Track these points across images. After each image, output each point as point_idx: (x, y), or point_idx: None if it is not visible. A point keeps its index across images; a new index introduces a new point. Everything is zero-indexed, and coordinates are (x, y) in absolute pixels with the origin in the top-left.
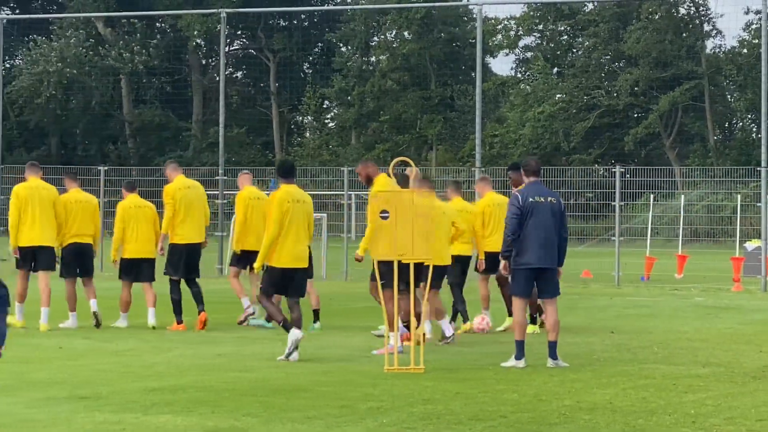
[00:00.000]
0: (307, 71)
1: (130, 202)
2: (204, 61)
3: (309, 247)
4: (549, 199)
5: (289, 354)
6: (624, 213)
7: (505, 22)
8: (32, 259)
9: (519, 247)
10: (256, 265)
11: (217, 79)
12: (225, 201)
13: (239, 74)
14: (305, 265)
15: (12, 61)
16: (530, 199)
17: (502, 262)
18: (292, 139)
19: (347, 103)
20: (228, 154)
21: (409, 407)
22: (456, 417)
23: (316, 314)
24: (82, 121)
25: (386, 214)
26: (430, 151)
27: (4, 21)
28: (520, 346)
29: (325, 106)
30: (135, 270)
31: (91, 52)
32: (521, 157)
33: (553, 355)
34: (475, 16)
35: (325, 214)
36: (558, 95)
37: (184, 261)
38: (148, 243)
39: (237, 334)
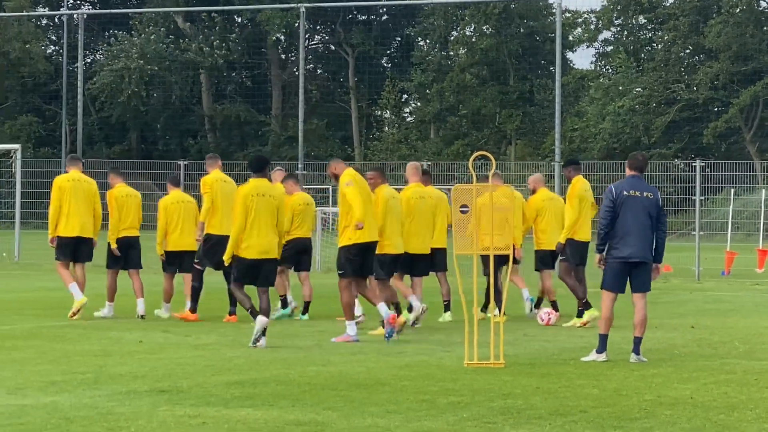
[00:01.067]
0: (385, 65)
1: (173, 197)
2: (283, 56)
3: (309, 240)
4: (645, 193)
5: (257, 340)
6: (704, 207)
7: (585, 16)
8: (73, 249)
9: (613, 241)
10: (225, 257)
11: (297, 73)
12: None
13: (318, 69)
14: (273, 256)
15: (92, 57)
16: (624, 193)
17: (597, 256)
18: (370, 133)
19: (426, 98)
20: (307, 148)
21: (489, 402)
22: (536, 412)
23: (307, 306)
24: (163, 115)
25: (466, 209)
26: (509, 146)
27: (85, 16)
28: (604, 340)
29: (403, 100)
30: (178, 261)
31: (171, 46)
32: (600, 151)
33: (636, 350)
34: (554, 9)
35: None
36: (638, 89)
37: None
38: (191, 236)
39: (318, 329)
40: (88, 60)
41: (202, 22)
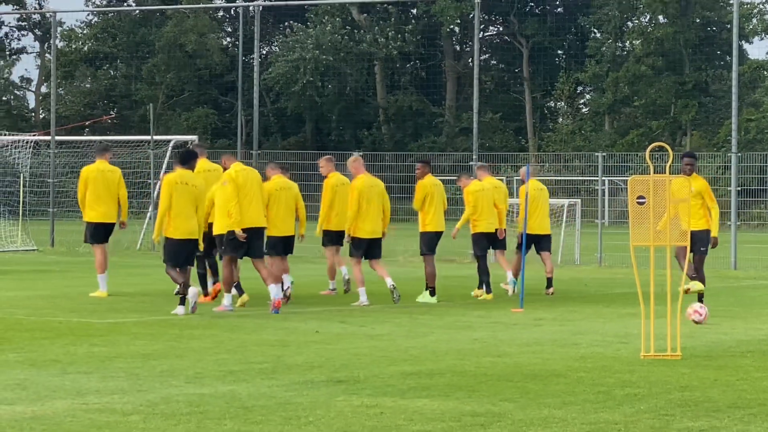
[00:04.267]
0: (560, 56)
1: (276, 183)
2: (457, 47)
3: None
4: None
5: (194, 309)
6: None
7: (761, 6)
8: (104, 232)
9: None
10: (153, 236)
11: (471, 64)
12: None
13: (493, 60)
14: (195, 237)
15: (268, 48)
16: None
17: None
18: (544, 124)
19: (601, 89)
20: (481, 139)
21: (666, 394)
22: (714, 404)
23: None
24: (337, 107)
25: (643, 200)
26: (684, 137)
27: (260, 8)
28: None
29: (578, 91)
30: (281, 245)
31: (346, 38)
32: None
33: None
34: (731, 0)
35: (578, 200)
36: None
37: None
38: (292, 221)
39: (492, 320)
40: (264, 51)
41: (377, 13)
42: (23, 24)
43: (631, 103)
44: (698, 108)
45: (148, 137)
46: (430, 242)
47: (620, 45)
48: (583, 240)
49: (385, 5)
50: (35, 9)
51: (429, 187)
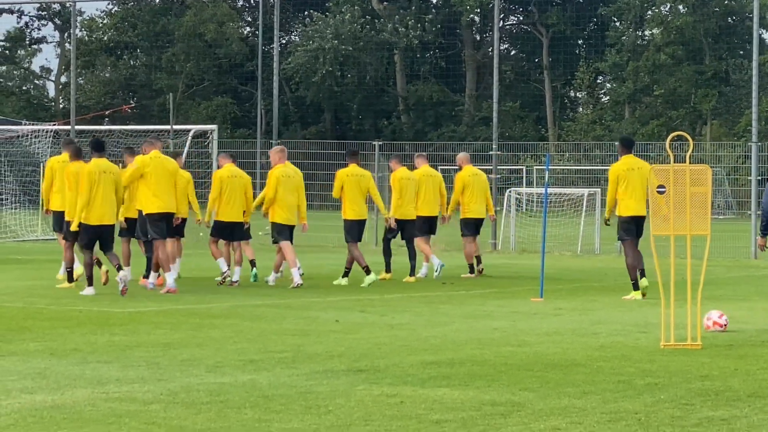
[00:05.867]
0: (580, 46)
1: (227, 170)
2: (477, 36)
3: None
4: None
5: (125, 288)
6: None
7: None
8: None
9: None
10: (72, 225)
11: (491, 54)
12: (498, 176)
13: (512, 49)
14: (112, 222)
15: (287, 38)
16: None
17: (759, 239)
18: (564, 113)
19: (621, 78)
20: (501, 129)
21: (686, 383)
22: (735, 394)
23: (253, 263)
24: (357, 96)
25: (663, 189)
26: (704, 126)
27: None
28: None
29: (598, 80)
30: (228, 230)
31: (366, 27)
32: None
33: None
34: None
35: (598, 189)
36: None
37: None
38: (240, 209)
39: (511, 309)
40: (283, 41)
41: (396, 2)
42: (43, 14)
43: (651, 93)
44: (718, 97)
45: (168, 127)
46: (352, 230)
47: (640, 34)
48: (603, 230)
49: None
50: None
51: (346, 177)
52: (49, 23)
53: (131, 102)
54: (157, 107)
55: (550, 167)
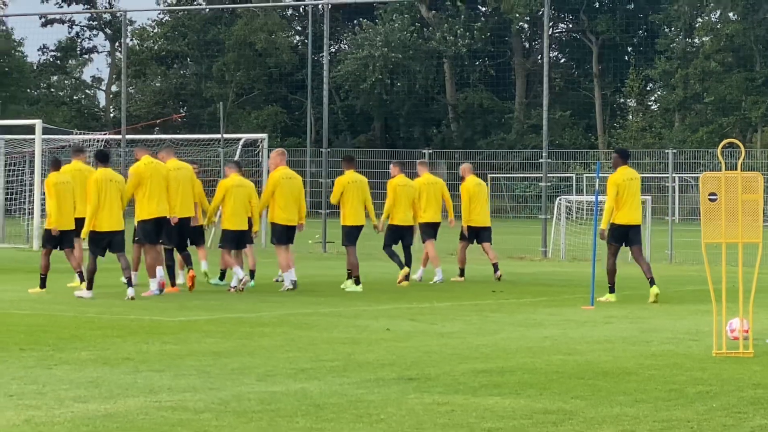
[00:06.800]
0: (630, 53)
1: (232, 180)
2: (526, 44)
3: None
4: None
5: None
6: None
7: None
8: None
9: None
10: (83, 232)
11: (540, 61)
12: (548, 184)
13: (562, 57)
14: (120, 228)
15: (337, 46)
16: None
17: None
18: (614, 121)
19: (671, 85)
20: (551, 136)
21: (738, 392)
22: None
23: (252, 274)
24: (406, 104)
25: (715, 197)
26: (755, 133)
27: (329, 6)
28: None
29: (648, 88)
30: (235, 239)
31: (415, 35)
32: None
33: None
34: None
35: (649, 197)
36: None
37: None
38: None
39: (563, 317)
40: (333, 49)
41: (446, 11)
42: (94, 23)
43: (701, 100)
44: None
45: (218, 135)
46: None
47: (690, 41)
48: (653, 237)
49: (455, 3)
50: (106, 8)
51: (346, 183)
52: (100, 33)
53: (181, 111)
54: (207, 116)
55: (600, 175)
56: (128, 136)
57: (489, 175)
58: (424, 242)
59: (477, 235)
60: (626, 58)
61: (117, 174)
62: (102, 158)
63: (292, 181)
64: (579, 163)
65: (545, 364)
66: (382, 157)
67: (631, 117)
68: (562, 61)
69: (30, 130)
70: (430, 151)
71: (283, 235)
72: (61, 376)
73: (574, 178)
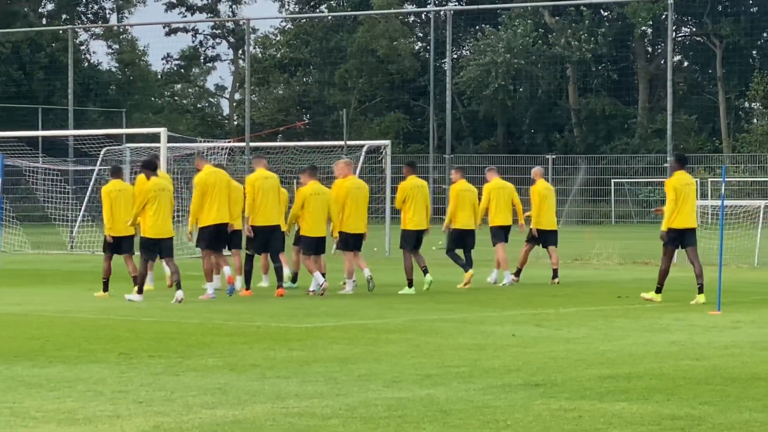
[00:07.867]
0: (754, 56)
1: (311, 188)
2: (650, 48)
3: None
4: None
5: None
6: None
7: None
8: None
9: None
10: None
11: (664, 66)
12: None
13: (685, 61)
14: (171, 234)
15: (459, 52)
16: None
17: None
18: (739, 125)
19: None
20: (675, 141)
21: None
22: None
23: (295, 276)
24: (529, 110)
25: None
26: None
27: (451, 12)
28: None
29: None
30: (319, 245)
31: (539, 41)
32: None
33: None
34: None
35: (762, 203)
36: None
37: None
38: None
39: (689, 322)
40: (455, 55)
41: (569, 16)
42: (217, 32)
43: None
44: None
45: (341, 143)
46: (408, 239)
47: None
48: None
49: (579, 8)
50: (229, 17)
51: (409, 189)
52: (223, 41)
53: (304, 118)
54: (330, 123)
55: (725, 179)
56: (252, 144)
57: (613, 180)
58: (494, 245)
59: (545, 238)
60: (750, 61)
61: (170, 183)
62: (151, 167)
63: (360, 191)
64: (704, 168)
65: (672, 370)
66: (505, 163)
67: (756, 121)
68: (685, 65)
69: (155, 138)
70: (554, 156)
71: (348, 241)
72: (188, 382)
73: (698, 182)
